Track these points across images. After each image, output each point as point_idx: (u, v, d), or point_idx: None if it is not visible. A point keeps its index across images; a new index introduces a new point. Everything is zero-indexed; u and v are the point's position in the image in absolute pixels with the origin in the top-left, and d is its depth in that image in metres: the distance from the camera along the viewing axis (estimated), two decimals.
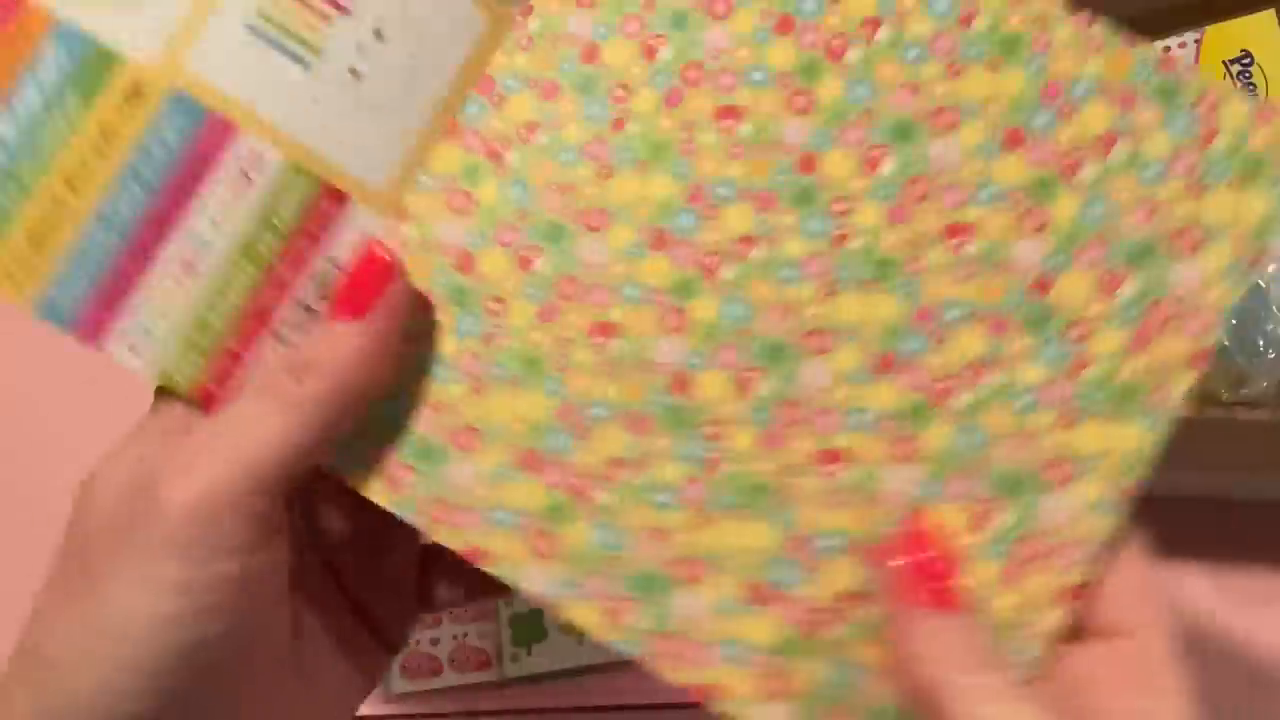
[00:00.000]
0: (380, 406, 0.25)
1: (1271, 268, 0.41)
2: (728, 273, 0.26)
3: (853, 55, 0.26)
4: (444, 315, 0.26)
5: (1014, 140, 0.25)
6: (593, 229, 0.26)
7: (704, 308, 0.26)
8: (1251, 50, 0.47)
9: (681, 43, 0.26)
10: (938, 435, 0.25)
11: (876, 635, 0.24)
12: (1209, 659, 0.45)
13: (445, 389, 0.25)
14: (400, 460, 0.25)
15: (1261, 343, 0.40)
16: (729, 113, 0.26)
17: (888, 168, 0.26)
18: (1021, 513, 0.24)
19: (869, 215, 0.25)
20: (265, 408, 0.23)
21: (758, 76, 0.26)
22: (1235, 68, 0.47)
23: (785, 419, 0.25)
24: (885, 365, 0.25)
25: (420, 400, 0.25)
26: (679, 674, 0.24)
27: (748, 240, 0.26)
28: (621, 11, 0.26)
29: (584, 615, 0.24)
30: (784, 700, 0.24)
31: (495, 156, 0.26)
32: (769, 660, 0.24)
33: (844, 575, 0.24)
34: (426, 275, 0.26)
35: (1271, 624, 0.45)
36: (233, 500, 0.22)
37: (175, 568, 0.22)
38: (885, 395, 0.25)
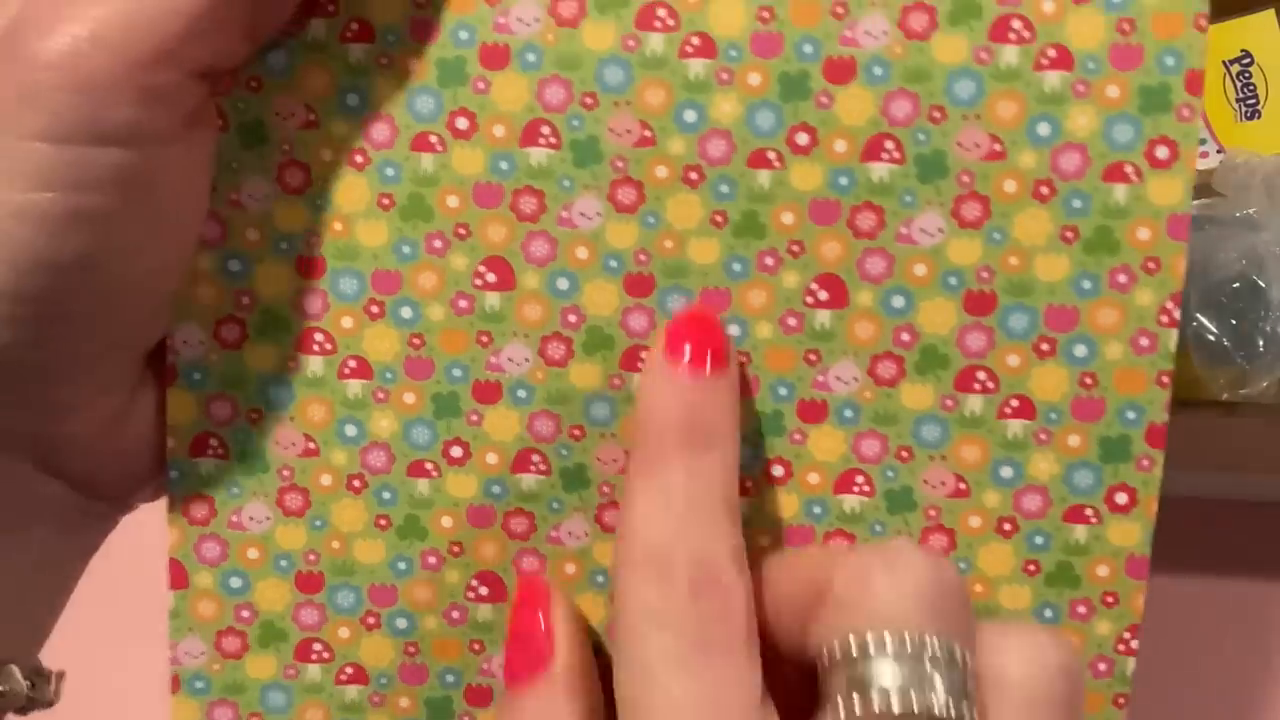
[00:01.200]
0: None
1: (1272, 268, 0.41)
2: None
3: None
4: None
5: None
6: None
7: (584, 374, 0.22)
8: (1251, 50, 0.47)
9: None
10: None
11: None
12: (1207, 660, 0.45)
13: None
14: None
15: (1261, 343, 0.41)
16: (831, 287, 0.21)
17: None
18: None
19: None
20: None
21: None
22: (1235, 68, 0.47)
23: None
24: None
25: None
26: None
27: None
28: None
29: None
30: None
31: None
32: None
33: None
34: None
35: (1271, 625, 0.45)
36: (121, 59, 0.17)
37: (40, 148, 0.17)
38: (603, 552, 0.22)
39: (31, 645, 0.22)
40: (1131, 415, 0.21)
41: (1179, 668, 0.46)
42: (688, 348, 0.20)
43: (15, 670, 0.21)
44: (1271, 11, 0.48)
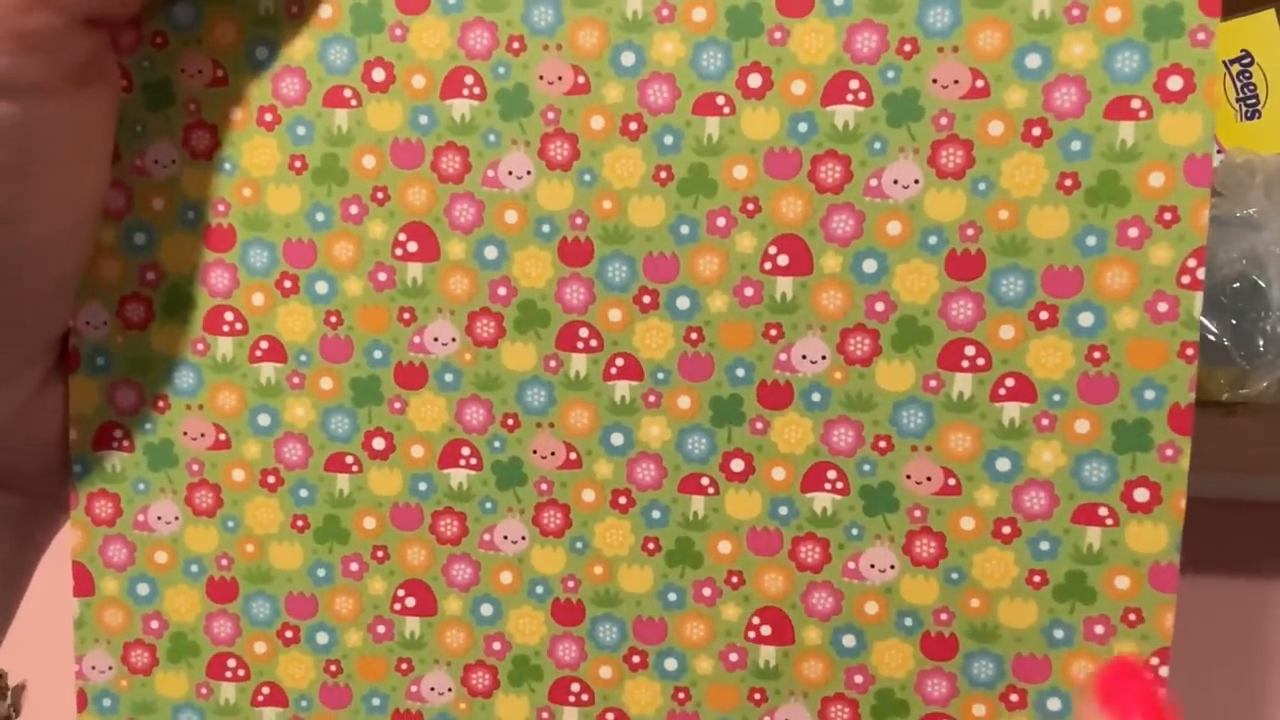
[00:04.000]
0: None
1: (1272, 268, 0.41)
2: (579, 364, 0.19)
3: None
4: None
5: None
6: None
7: (516, 355, 0.19)
8: (1251, 50, 0.47)
9: None
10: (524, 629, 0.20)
11: None
12: (1207, 660, 0.45)
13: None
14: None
15: (1261, 343, 0.40)
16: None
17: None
18: None
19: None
20: None
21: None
22: (1235, 67, 0.47)
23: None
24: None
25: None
26: None
27: (631, 368, 0.19)
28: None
29: None
30: None
31: None
32: None
33: None
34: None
35: (1271, 624, 0.44)
36: None
37: None
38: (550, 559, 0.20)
39: None
40: (1150, 395, 0.18)
41: (1179, 668, 0.45)
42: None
43: None
44: (1271, 11, 0.48)
